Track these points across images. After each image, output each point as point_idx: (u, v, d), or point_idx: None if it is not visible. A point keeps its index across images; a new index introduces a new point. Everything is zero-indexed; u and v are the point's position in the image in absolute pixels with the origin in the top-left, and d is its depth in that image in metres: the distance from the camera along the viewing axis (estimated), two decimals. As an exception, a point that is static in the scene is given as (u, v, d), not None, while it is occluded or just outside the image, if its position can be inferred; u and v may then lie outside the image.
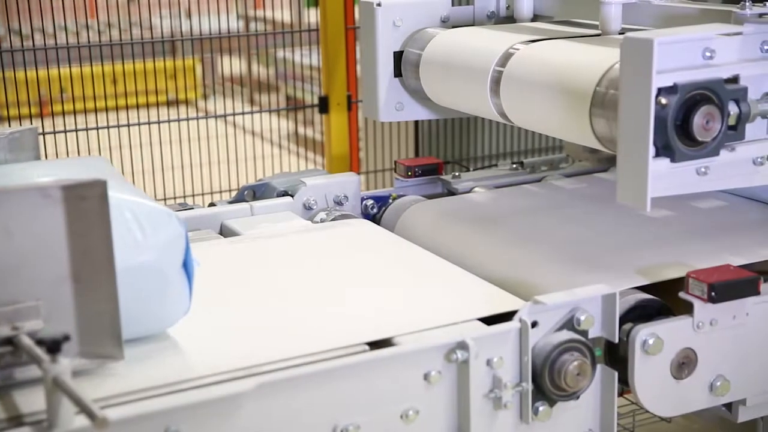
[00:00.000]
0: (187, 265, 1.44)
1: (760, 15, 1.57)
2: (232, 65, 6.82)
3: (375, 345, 1.42)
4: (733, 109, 1.49)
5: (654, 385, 1.51)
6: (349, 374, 1.34)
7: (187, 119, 4.28)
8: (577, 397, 1.48)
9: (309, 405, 1.32)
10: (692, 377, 1.53)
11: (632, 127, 1.44)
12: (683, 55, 1.46)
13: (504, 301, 1.55)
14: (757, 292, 1.52)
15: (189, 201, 3.18)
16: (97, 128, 4.43)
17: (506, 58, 1.78)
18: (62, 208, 1.28)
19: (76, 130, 4.31)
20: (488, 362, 1.42)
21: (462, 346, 1.39)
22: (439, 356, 1.39)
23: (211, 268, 1.68)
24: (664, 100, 1.43)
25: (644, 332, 1.48)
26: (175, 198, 3.97)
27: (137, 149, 4.25)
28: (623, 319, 1.53)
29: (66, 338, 1.16)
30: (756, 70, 1.52)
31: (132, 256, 1.38)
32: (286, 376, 1.30)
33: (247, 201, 2.12)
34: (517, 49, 1.78)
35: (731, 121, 1.49)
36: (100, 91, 4.77)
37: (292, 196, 2.08)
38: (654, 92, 1.41)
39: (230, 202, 2.13)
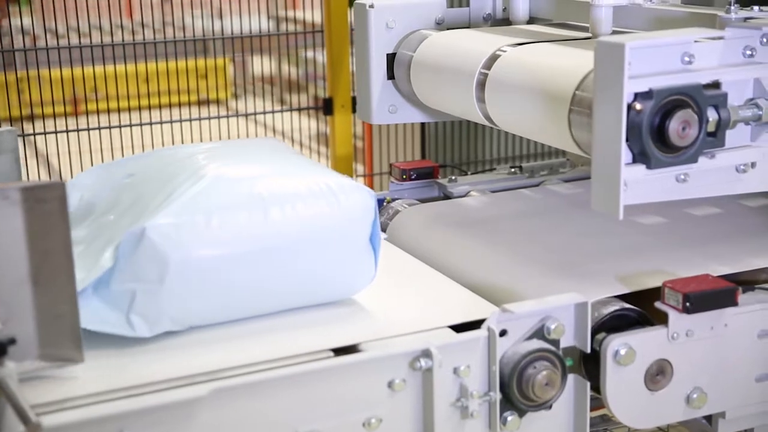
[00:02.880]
0: (374, 236, 1.53)
1: (746, 19, 1.53)
2: (262, 65, 6.85)
3: (341, 351, 1.41)
4: (712, 115, 1.45)
5: (627, 396, 1.47)
6: (309, 381, 1.33)
7: (208, 118, 4.30)
8: (549, 407, 1.46)
9: (267, 412, 1.31)
10: (667, 389, 1.50)
11: (605, 132, 1.42)
12: (660, 60, 1.43)
13: (478, 309, 1.53)
14: (734, 303, 1.48)
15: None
16: (130, 125, 4.47)
17: (492, 60, 1.75)
18: (21, 210, 1.28)
19: (110, 128, 4.35)
20: (455, 371, 1.40)
21: (426, 354, 1.37)
22: (404, 364, 1.38)
23: None
24: (639, 106, 1.40)
25: (616, 342, 1.45)
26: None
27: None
28: (600, 329, 1.50)
29: (11, 341, 1.16)
30: (737, 75, 1.48)
31: (325, 225, 1.48)
32: (242, 382, 1.29)
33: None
34: (504, 52, 1.76)
35: (710, 128, 1.46)
36: (132, 90, 4.82)
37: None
38: (626, 97, 1.37)
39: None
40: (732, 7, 1.56)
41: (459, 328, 1.47)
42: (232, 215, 1.43)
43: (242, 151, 1.64)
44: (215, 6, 6.06)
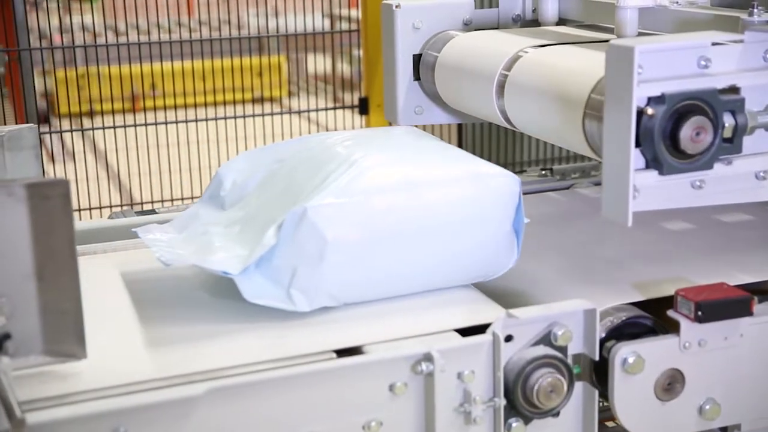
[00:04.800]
0: (517, 220, 1.59)
1: (768, 22, 1.50)
2: (317, 63, 6.88)
3: (344, 353, 1.40)
4: (728, 120, 1.42)
5: (636, 406, 1.45)
6: (308, 382, 1.32)
7: (252, 115, 4.33)
8: (556, 415, 1.44)
9: (264, 412, 1.31)
10: (679, 399, 1.47)
11: (615, 137, 1.39)
12: (675, 64, 1.39)
13: (489, 313, 1.51)
14: (748, 313, 1.45)
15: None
16: (186, 121, 4.54)
17: (513, 61, 1.73)
18: (26, 206, 1.30)
19: (166, 123, 4.42)
20: (459, 375, 1.39)
21: (428, 357, 1.36)
22: (405, 367, 1.36)
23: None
24: (651, 111, 1.37)
25: (624, 350, 1.42)
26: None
27: (224, 144, 4.34)
28: (612, 336, 1.48)
29: (6, 336, 1.17)
30: (757, 80, 1.44)
31: (473, 208, 1.55)
32: (239, 381, 1.29)
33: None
34: (526, 53, 1.74)
35: (726, 134, 1.42)
36: (189, 88, 4.88)
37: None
38: (635, 102, 1.35)
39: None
40: (755, 10, 1.52)
41: (468, 331, 1.46)
42: (386, 197, 1.51)
43: (387, 139, 1.71)
44: (271, 4, 6.11)
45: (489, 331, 1.40)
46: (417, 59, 2.02)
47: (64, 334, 1.33)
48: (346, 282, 1.51)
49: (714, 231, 1.86)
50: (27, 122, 3.93)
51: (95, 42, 4.92)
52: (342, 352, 1.40)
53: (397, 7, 1.99)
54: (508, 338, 1.41)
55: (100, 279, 1.67)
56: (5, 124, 3.60)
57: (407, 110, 2.06)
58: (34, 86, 4.15)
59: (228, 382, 1.29)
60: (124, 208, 4.34)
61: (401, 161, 1.59)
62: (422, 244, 1.53)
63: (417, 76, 2.03)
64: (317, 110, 3.95)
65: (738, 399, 1.50)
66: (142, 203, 4.58)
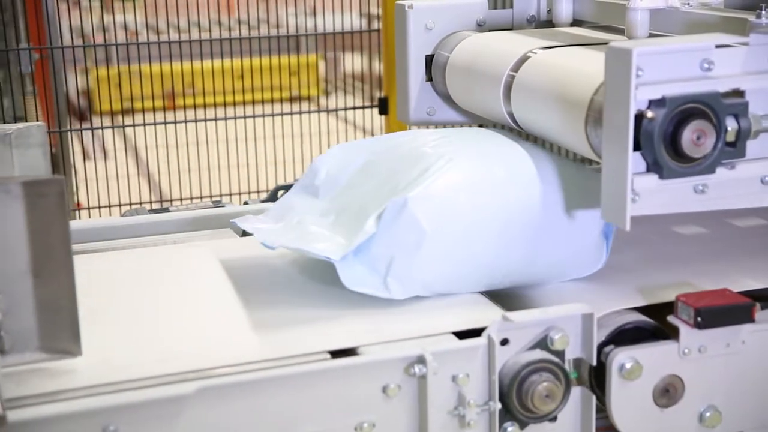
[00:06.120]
0: (608, 223, 1.61)
1: (777, 24, 1.47)
2: (353, 62, 6.88)
3: (339, 354, 1.40)
4: (731, 124, 1.40)
5: (634, 412, 1.43)
6: (301, 382, 1.32)
7: (289, 113, 4.34)
8: (554, 420, 1.43)
9: (256, 412, 1.31)
10: (678, 406, 1.45)
11: (614, 140, 1.38)
12: (677, 66, 1.38)
13: (489, 315, 1.50)
14: (750, 320, 1.42)
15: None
16: (215, 119, 4.57)
17: (521, 62, 1.72)
18: (22, 204, 1.31)
19: (195, 121, 4.46)
20: (453, 378, 1.38)
21: (421, 360, 1.35)
22: (399, 369, 1.36)
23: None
24: (651, 114, 1.36)
25: (622, 356, 1.41)
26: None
27: (261, 141, 4.38)
28: (613, 341, 1.46)
29: (-6, 333, 1.18)
30: (761, 83, 1.42)
31: (564, 208, 1.59)
32: (230, 381, 1.29)
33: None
34: (535, 53, 1.72)
35: (729, 138, 1.40)
36: (225, 86, 4.91)
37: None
38: (633, 105, 1.33)
39: (262, 201, 2.14)
40: (763, 12, 1.49)
41: (468, 334, 1.45)
42: (482, 193, 1.56)
43: (473, 137, 1.73)
44: (309, 3, 6.12)
45: (484, 334, 1.39)
46: (429, 60, 2.01)
47: (60, 331, 1.34)
48: (439, 273, 1.56)
49: (724, 235, 1.84)
50: (58, 121, 3.99)
51: (137, 40, 4.97)
52: (338, 353, 1.40)
53: (409, 7, 1.99)
54: (504, 342, 1.40)
55: (202, 266, 1.74)
56: (37, 120, 3.64)
57: (419, 111, 2.05)
58: (66, 84, 4.19)
59: (218, 381, 1.29)
60: (141, 205, 4.37)
61: (495, 159, 1.61)
62: (513, 241, 1.57)
63: (429, 77, 2.02)
64: (346, 109, 3.94)
65: (739, 406, 1.48)
66: (171, 200, 4.62)
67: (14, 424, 1.20)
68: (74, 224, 2.01)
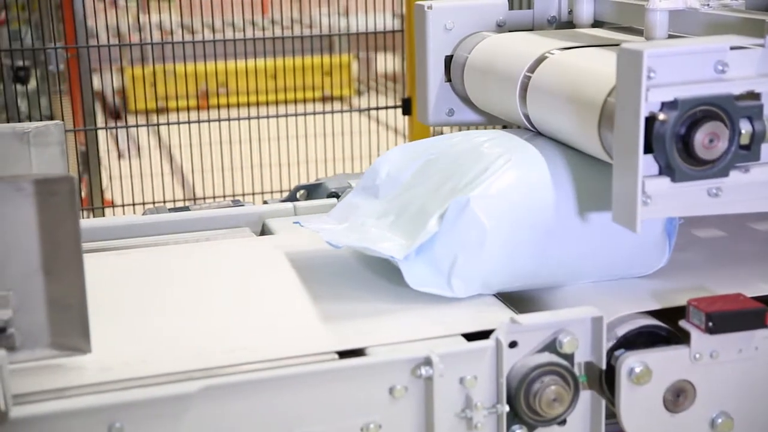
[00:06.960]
0: (670, 221, 1.63)
1: (796, 25, 1.45)
2: (386, 62, 6.89)
3: (348, 354, 1.40)
4: (745, 127, 1.38)
5: (643, 417, 1.42)
6: (305, 382, 1.32)
7: (321, 113, 4.35)
8: (562, 423, 1.42)
9: (261, 412, 1.31)
10: (689, 412, 1.44)
11: (625, 143, 1.36)
12: (691, 68, 1.36)
13: (498, 317, 1.49)
14: (762, 326, 1.41)
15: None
16: (249, 118, 4.60)
17: (538, 63, 1.71)
18: (33, 201, 1.32)
19: (229, 120, 4.49)
20: (461, 380, 1.37)
21: (428, 361, 1.35)
22: (406, 371, 1.36)
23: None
24: (662, 116, 1.34)
25: (631, 360, 1.39)
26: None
27: (293, 140, 4.41)
28: (624, 345, 1.45)
29: (1, 330, 1.19)
30: (777, 86, 1.40)
31: None
32: (235, 380, 1.30)
33: (300, 200, 2.13)
34: (552, 54, 1.71)
35: (744, 141, 1.38)
36: (258, 86, 4.94)
37: (339, 197, 2.08)
38: (644, 107, 1.32)
39: (282, 201, 2.15)
40: (783, 13, 1.48)
41: (477, 335, 1.44)
42: (543, 193, 1.57)
43: (523, 137, 1.72)
44: (342, 4, 6.12)
45: (492, 336, 1.38)
46: (449, 60, 2.01)
47: (70, 328, 1.35)
48: (500, 271, 1.57)
49: (742, 239, 1.81)
50: (84, 120, 4.02)
51: (172, 39, 5.00)
52: (346, 354, 1.40)
53: (429, 8, 1.98)
54: (513, 344, 1.39)
55: (269, 259, 1.77)
56: (62, 120, 3.68)
57: (438, 111, 2.05)
58: (102, 83, 4.23)
59: (224, 380, 1.29)
60: (172, 203, 4.41)
61: (552, 157, 1.62)
62: (574, 238, 1.58)
63: (448, 78, 2.02)
64: (369, 109, 3.95)
65: (752, 413, 1.46)
66: (204, 198, 4.65)
67: (20, 420, 1.21)
68: (91, 222, 2.03)
